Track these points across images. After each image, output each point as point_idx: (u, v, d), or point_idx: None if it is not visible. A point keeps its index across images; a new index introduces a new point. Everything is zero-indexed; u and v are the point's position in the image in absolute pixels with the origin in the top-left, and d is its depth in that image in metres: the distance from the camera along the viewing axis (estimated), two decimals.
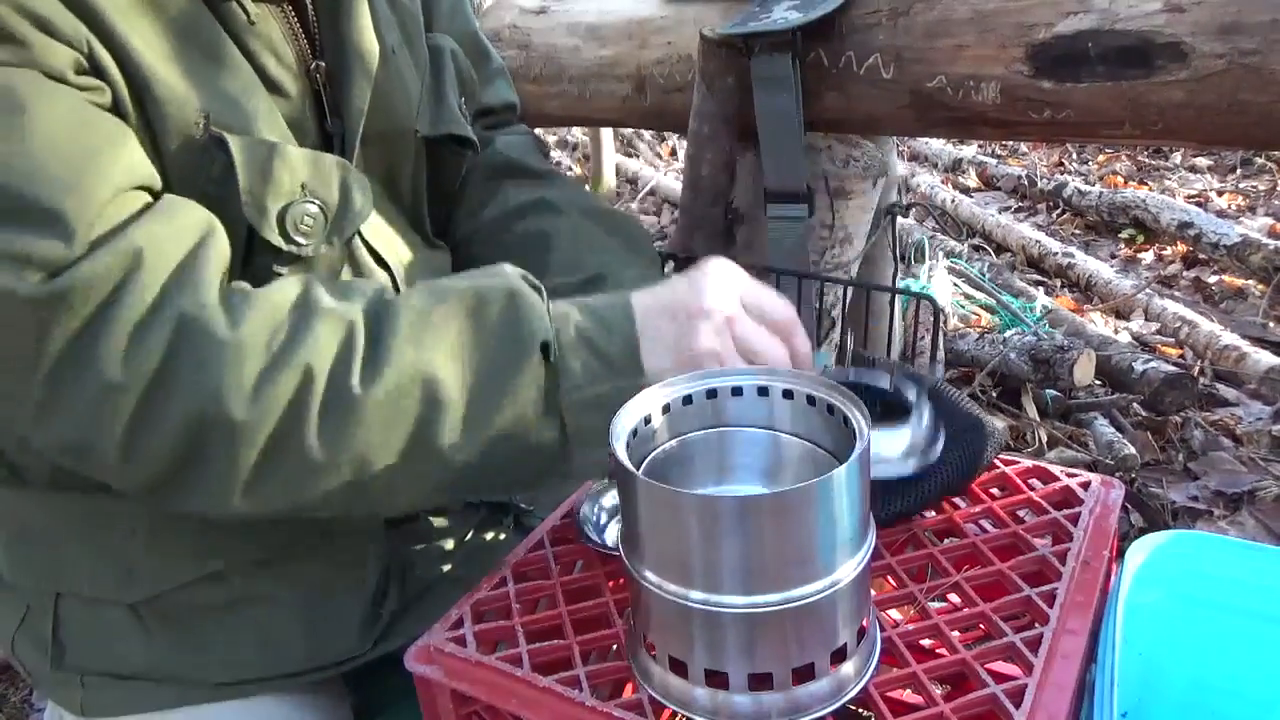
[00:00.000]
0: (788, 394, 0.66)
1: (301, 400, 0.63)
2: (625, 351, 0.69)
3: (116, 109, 0.66)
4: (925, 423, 0.76)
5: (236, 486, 0.64)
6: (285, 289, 0.68)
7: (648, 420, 0.65)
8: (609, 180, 4.12)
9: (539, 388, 0.67)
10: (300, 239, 0.74)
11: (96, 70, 0.64)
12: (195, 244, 0.65)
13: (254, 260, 0.73)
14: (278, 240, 0.72)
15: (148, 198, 0.66)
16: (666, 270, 1.04)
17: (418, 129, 0.89)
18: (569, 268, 0.91)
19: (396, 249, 0.87)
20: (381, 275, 0.84)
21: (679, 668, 0.59)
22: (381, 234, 0.85)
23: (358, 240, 0.81)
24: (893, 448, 0.74)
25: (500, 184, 1.00)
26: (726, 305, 0.70)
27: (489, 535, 0.96)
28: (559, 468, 0.70)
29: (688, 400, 0.66)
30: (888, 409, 0.75)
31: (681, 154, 4.37)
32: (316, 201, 0.74)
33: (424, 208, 0.94)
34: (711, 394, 0.67)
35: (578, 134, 5.06)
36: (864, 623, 0.61)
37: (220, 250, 0.67)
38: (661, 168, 4.53)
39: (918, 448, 0.75)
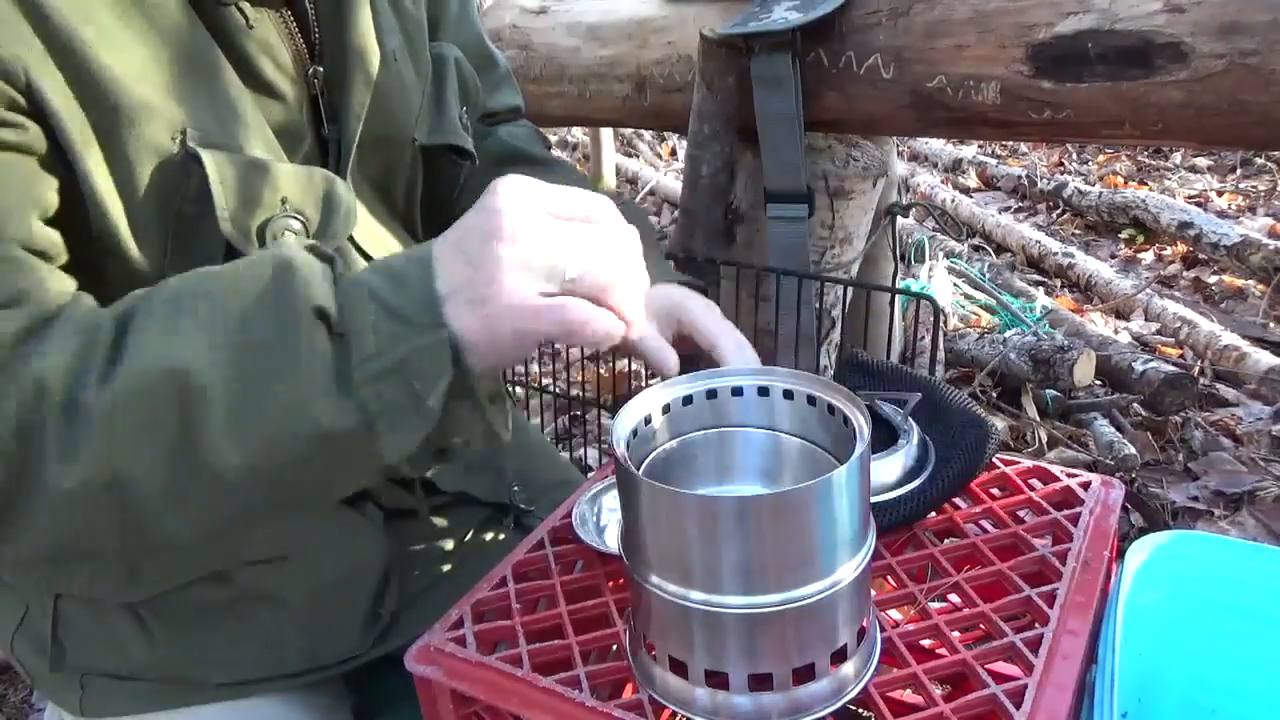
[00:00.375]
0: (788, 394, 0.66)
1: (36, 421, 0.55)
2: (420, 300, 0.58)
3: (59, 144, 0.63)
4: (914, 442, 0.76)
5: None
6: (47, 305, 0.61)
7: (648, 420, 0.65)
8: (609, 180, 4.12)
9: (323, 363, 0.57)
10: None
11: (34, 104, 0.61)
12: None
13: None
14: None
15: None
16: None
17: (416, 137, 0.88)
18: None
19: (388, 252, 0.86)
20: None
21: (679, 668, 0.59)
22: (375, 238, 0.84)
23: (350, 246, 0.81)
24: (887, 474, 0.74)
25: (501, 170, 0.97)
26: (522, 214, 0.58)
27: (489, 535, 0.96)
28: (371, 461, 0.59)
29: (688, 400, 0.67)
30: (876, 424, 0.75)
31: (681, 154, 4.37)
32: (297, 217, 0.73)
33: (417, 212, 0.93)
34: (712, 394, 0.67)
35: (578, 134, 5.06)
36: (864, 623, 0.61)
37: None
38: (661, 168, 4.53)
39: (910, 470, 0.75)
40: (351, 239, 0.80)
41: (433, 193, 0.94)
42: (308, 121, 0.78)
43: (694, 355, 0.83)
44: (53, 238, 0.64)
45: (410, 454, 0.59)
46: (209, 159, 0.68)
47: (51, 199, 0.64)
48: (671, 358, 0.79)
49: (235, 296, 0.58)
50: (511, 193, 0.59)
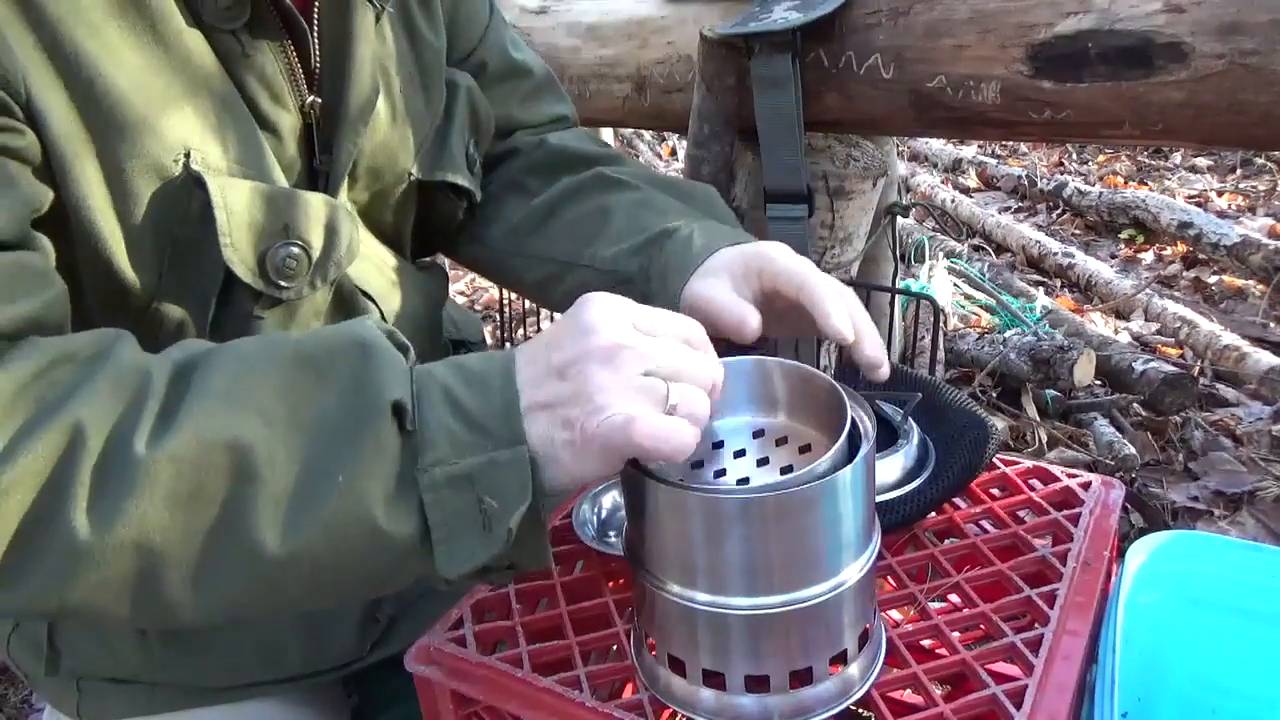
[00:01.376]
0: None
1: (65, 465, 0.51)
2: (502, 411, 0.55)
3: (51, 154, 0.61)
4: (914, 442, 0.76)
5: None
6: (84, 339, 0.58)
7: None
8: None
9: (391, 460, 0.54)
10: (283, 281, 0.71)
11: (29, 114, 0.60)
12: None
13: (231, 305, 0.71)
14: (258, 284, 0.69)
15: None
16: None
17: (411, 172, 0.85)
18: (626, 233, 0.82)
19: (378, 276, 0.84)
20: (364, 303, 0.81)
21: (682, 668, 0.58)
22: (361, 264, 0.81)
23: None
24: (887, 474, 0.74)
25: (557, 177, 0.93)
26: (618, 334, 0.55)
27: None
28: (417, 569, 0.56)
29: None
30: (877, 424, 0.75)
31: (681, 154, 4.37)
32: (300, 244, 0.71)
33: (407, 240, 0.91)
34: None
35: None
36: (869, 625, 0.60)
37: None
38: (661, 168, 4.53)
39: (910, 470, 0.75)
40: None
41: (426, 223, 0.91)
42: (300, 151, 0.76)
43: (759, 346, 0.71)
44: (47, 247, 0.63)
45: (466, 573, 0.55)
46: (213, 183, 0.66)
47: (42, 204, 0.63)
48: (751, 314, 0.69)
49: (312, 374, 0.55)
50: (604, 309, 0.57)
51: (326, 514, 0.53)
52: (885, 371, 0.68)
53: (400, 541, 0.54)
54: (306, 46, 0.73)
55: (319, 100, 0.75)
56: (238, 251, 0.68)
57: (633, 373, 0.55)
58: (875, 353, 0.68)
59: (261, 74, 0.71)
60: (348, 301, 0.80)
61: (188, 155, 0.66)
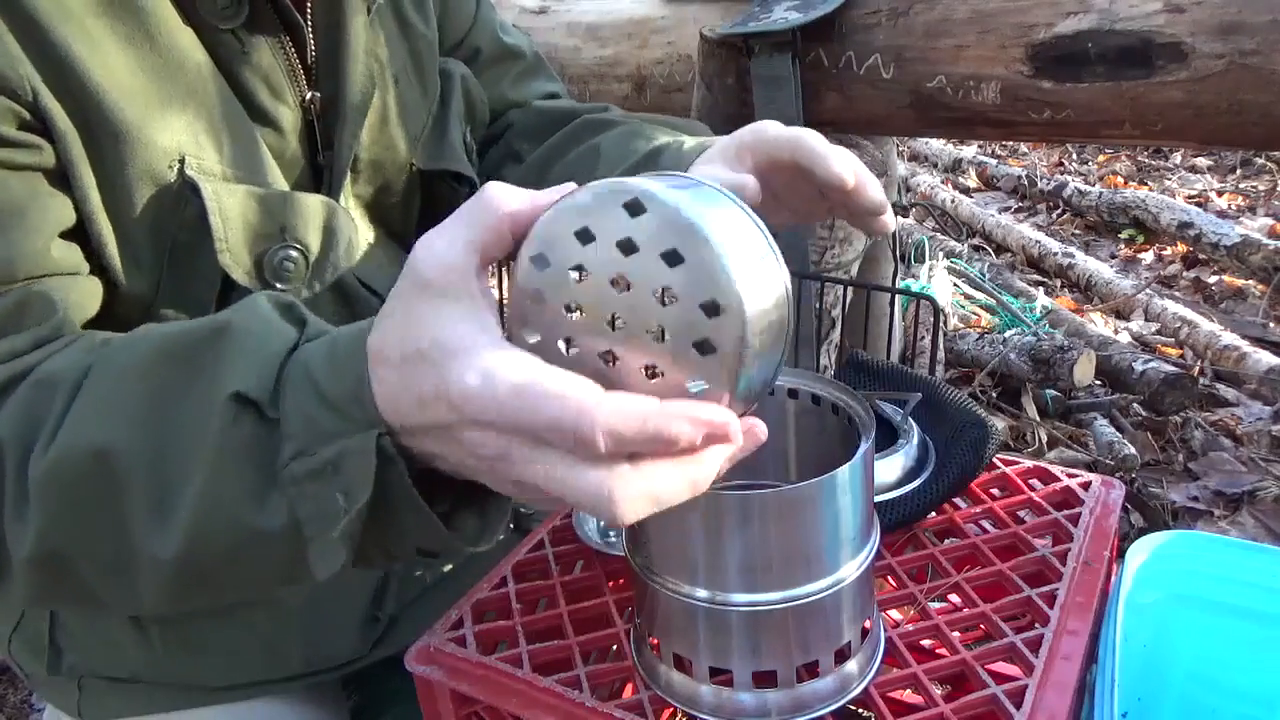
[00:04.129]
0: (792, 393, 0.66)
1: (2, 481, 0.53)
2: (353, 391, 0.48)
3: (62, 161, 0.62)
4: (914, 442, 0.76)
5: None
6: (34, 357, 0.57)
7: None
8: None
9: (246, 455, 0.49)
10: (280, 284, 0.71)
11: (41, 120, 0.60)
12: None
13: (230, 306, 0.71)
14: (255, 287, 0.69)
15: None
16: None
17: (414, 162, 0.86)
18: (619, 159, 0.81)
19: (384, 274, 0.84)
20: (372, 301, 0.81)
21: (683, 665, 0.59)
22: (369, 259, 0.82)
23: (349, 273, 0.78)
24: (887, 474, 0.74)
25: (545, 136, 0.93)
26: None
27: None
28: (302, 566, 0.50)
29: None
30: (877, 424, 0.75)
31: None
32: (297, 246, 0.71)
33: (412, 231, 0.91)
34: None
35: None
36: (867, 622, 0.61)
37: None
38: None
39: (910, 470, 0.75)
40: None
41: (430, 215, 0.92)
42: (302, 147, 0.76)
43: None
44: (73, 255, 0.63)
45: (336, 570, 0.50)
46: (207, 188, 0.66)
47: (70, 215, 0.63)
48: (749, 179, 0.64)
49: (173, 369, 0.52)
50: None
51: (192, 516, 0.50)
52: (889, 219, 0.66)
53: (271, 539, 0.50)
54: (303, 42, 0.74)
55: (318, 95, 0.76)
56: (234, 256, 0.68)
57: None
58: (877, 195, 0.65)
59: (261, 71, 0.71)
60: (352, 300, 0.80)
61: (182, 161, 0.66)
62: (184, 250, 0.67)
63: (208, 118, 0.68)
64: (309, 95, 0.75)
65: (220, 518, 0.50)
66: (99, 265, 0.66)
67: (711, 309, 0.42)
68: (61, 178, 0.63)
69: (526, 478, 0.43)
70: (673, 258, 0.42)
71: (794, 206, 0.70)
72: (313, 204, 0.73)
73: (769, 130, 0.67)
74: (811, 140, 0.65)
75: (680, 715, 0.60)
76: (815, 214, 0.72)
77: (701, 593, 0.56)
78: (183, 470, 0.50)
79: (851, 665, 0.59)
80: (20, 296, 0.59)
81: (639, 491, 0.41)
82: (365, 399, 0.47)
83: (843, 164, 0.64)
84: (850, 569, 0.57)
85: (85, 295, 0.64)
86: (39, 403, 0.54)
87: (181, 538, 0.50)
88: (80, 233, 0.64)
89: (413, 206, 0.90)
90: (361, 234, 0.82)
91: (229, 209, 0.67)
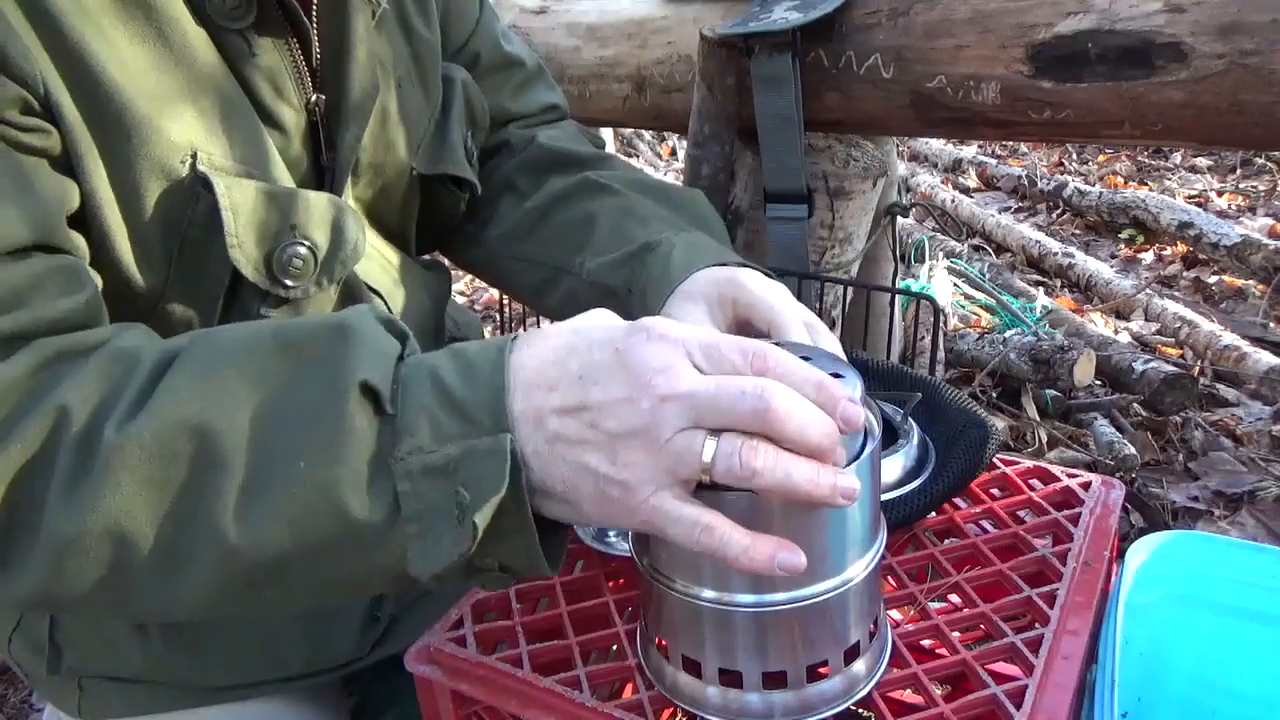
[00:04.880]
0: None
1: (49, 451, 0.51)
2: (488, 399, 0.51)
3: (70, 152, 0.62)
4: (914, 442, 0.76)
5: None
6: (93, 335, 0.58)
7: None
8: None
9: (362, 445, 0.51)
10: (289, 281, 0.71)
11: (51, 113, 0.61)
12: None
13: (238, 303, 0.71)
14: (264, 283, 0.70)
15: None
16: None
17: (414, 166, 0.86)
18: (612, 244, 0.83)
19: (385, 273, 0.85)
20: (372, 299, 0.82)
21: (689, 666, 0.59)
22: (367, 261, 0.82)
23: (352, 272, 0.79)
24: (887, 474, 0.74)
25: (546, 177, 0.94)
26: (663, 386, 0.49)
27: None
28: (396, 569, 0.52)
29: None
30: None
31: (681, 154, 4.36)
32: (306, 243, 0.71)
33: (411, 235, 0.91)
34: None
35: None
36: (874, 623, 0.61)
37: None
38: (661, 168, 4.53)
39: (910, 470, 0.75)
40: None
41: (430, 218, 0.92)
42: (306, 148, 0.77)
43: None
44: (80, 242, 0.64)
45: (439, 573, 0.51)
46: (220, 183, 0.67)
47: (75, 201, 0.64)
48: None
49: (287, 358, 0.53)
50: (654, 343, 0.50)
51: (289, 501, 0.50)
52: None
53: (370, 532, 0.51)
54: (309, 44, 0.74)
55: (323, 98, 0.76)
56: (244, 251, 0.68)
57: (659, 440, 0.49)
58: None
59: (268, 72, 0.72)
60: (355, 299, 0.80)
61: (194, 156, 0.66)
62: (194, 245, 0.68)
63: (219, 115, 0.68)
64: (314, 97, 0.75)
65: (317, 509, 0.50)
66: (108, 259, 0.66)
67: None
68: (68, 168, 0.63)
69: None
70: None
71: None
72: (321, 202, 0.73)
73: (752, 291, 0.70)
74: (787, 323, 0.67)
75: (681, 716, 0.60)
76: None
77: (709, 594, 0.56)
78: (290, 456, 0.50)
79: (859, 666, 0.59)
80: (56, 263, 0.59)
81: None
82: (499, 409, 0.51)
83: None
84: (858, 569, 0.57)
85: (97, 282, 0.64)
86: (118, 375, 0.53)
87: (274, 525, 0.50)
88: (84, 227, 0.64)
89: (412, 211, 0.90)
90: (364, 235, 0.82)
91: (240, 204, 0.68)
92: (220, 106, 0.69)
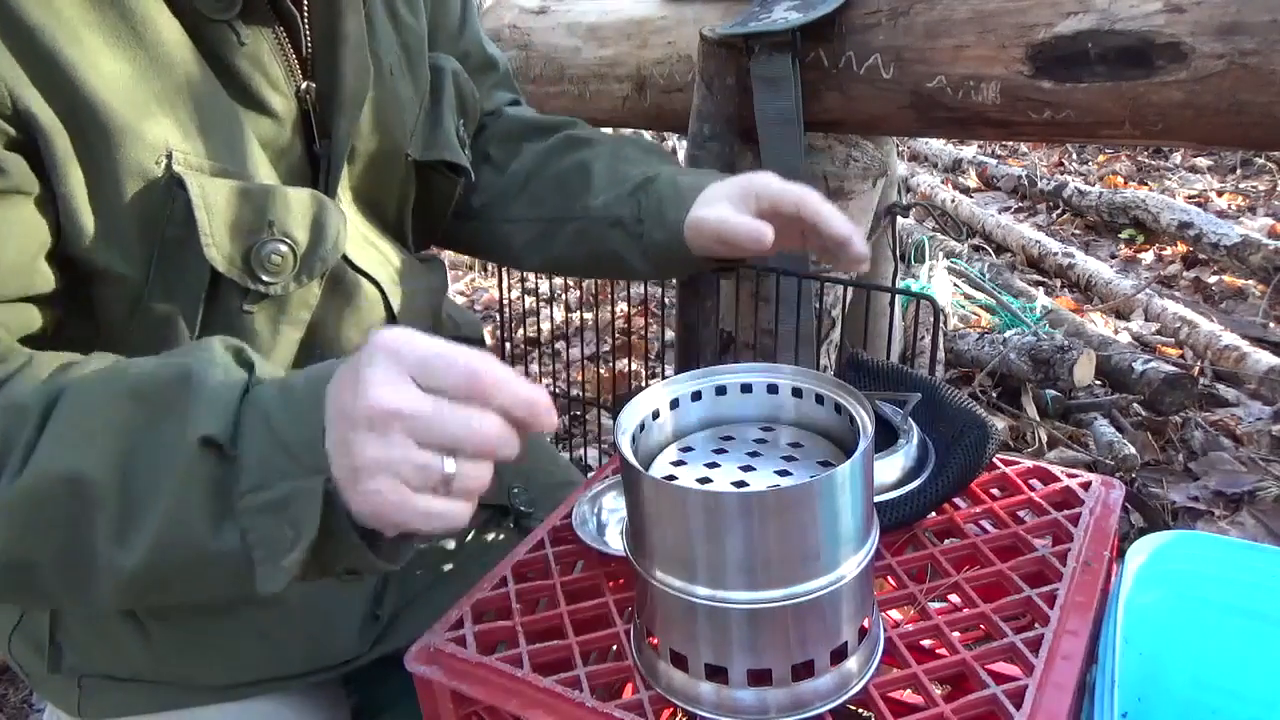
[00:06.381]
0: (796, 392, 0.67)
1: None
2: (307, 439, 0.55)
3: (45, 159, 0.62)
4: (914, 442, 0.76)
5: None
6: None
7: (655, 415, 0.65)
8: None
9: (207, 490, 0.55)
10: (267, 278, 0.71)
11: (23, 125, 0.61)
12: None
13: (220, 300, 0.71)
14: (243, 280, 0.70)
15: None
16: None
17: (409, 153, 0.87)
18: (611, 183, 0.91)
19: (384, 266, 0.85)
20: (372, 292, 0.82)
21: (683, 663, 0.59)
22: (365, 252, 0.83)
23: (343, 262, 0.80)
24: (886, 474, 0.74)
25: (520, 145, 1.00)
26: (393, 398, 0.51)
27: (489, 535, 0.95)
28: (248, 582, 0.56)
29: (696, 396, 0.67)
30: (876, 424, 0.75)
31: (681, 154, 4.35)
32: (286, 240, 0.72)
33: (408, 226, 0.92)
34: (721, 390, 0.68)
35: None
36: (866, 621, 0.61)
37: None
38: None
39: (910, 470, 0.75)
40: (346, 258, 0.80)
41: (426, 206, 0.93)
42: (298, 137, 0.77)
43: None
44: (45, 276, 0.65)
45: (280, 589, 0.56)
46: (193, 183, 0.67)
47: (46, 236, 0.64)
48: (766, 228, 0.80)
49: (139, 407, 0.57)
50: (384, 365, 0.52)
51: (155, 537, 0.56)
52: (866, 265, 0.84)
53: (225, 558, 0.56)
54: (297, 33, 0.74)
55: (314, 86, 0.76)
56: (220, 249, 0.69)
57: (404, 449, 0.52)
58: (863, 249, 0.83)
59: (258, 61, 0.72)
60: (350, 292, 0.80)
61: (169, 156, 0.66)
62: (173, 245, 0.68)
63: (194, 112, 0.68)
64: (304, 85, 0.76)
65: (180, 540, 0.56)
66: (89, 262, 0.66)
67: None
68: (41, 197, 0.63)
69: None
70: None
71: (786, 240, 0.85)
72: (300, 198, 0.73)
73: (773, 183, 0.83)
74: (816, 201, 0.82)
75: (680, 715, 0.60)
76: (795, 249, 0.89)
77: (702, 590, 0.56)
78: (149, 497, 0.56)
79: (850, 664, 0.59)
80: None
81: None
82: (316, 445, 0.54)
83: (842, 224, 0.81)
84: (850, 567, 0.57)
85: (30, 319, 0.65)
86: (11, 428, 0.57)
87: (143, 554, 0.56)
88: (63, 232, 0.65)
89: (408, 200, 0.91)
90: (357, 224, 0.83)
91: (214, 203, 0.68)
92: (196, 103, 0.69)
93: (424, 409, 0.52)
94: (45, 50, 0.61)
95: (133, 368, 0.61)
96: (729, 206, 0.83)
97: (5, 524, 0.57)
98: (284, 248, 0.72)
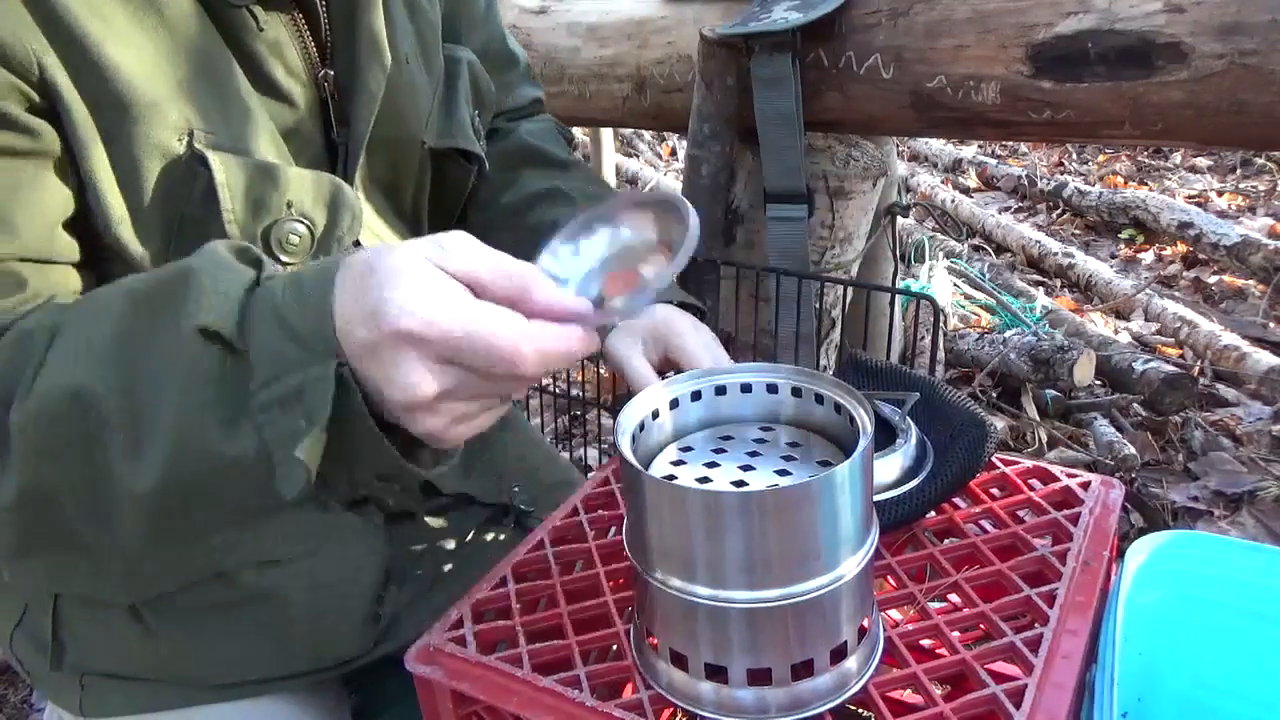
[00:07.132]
0: (796, 391, 0.67)
1: None
2: (315, 326, 0.52)
3: (68, 135, 0.63)
4: (913, 441, 0.76)
5: None
6: (8, 318, 0.61)
7: (655, 415, 0.65)
8: (609, 180, 4.12)
9: (215, 387, 0.53)
10: (284, 257, 0.72)
11: (48, 97, 0.62)
12: None
13: None
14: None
15: None
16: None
17: (425, 140, 0.88)
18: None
19: None
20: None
21: (683, 663, 0.59)
22: (382, 240, 0.84)
23: (356, 247, 0.80)
24: (885, 474, 0.74)
25: (519, 172, 1.00)
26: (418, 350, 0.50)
27: (489, 535, 0.96)
28: (269, 495, 0.54)
29: (696, 396, 0.67)
30: (876, 424, 0.75)
31: (681, 154, 4.36)
32: (304, 221, 0.73)
33: (424, 214, 0.93)
34: (720, 390, 0.68)
35: (578, 134, 5.06)
36: (866, 620, 0.61)
37: None
38: (661, 168, 4.53)
39: (908, 469, 0.75)
40: (358, 243, 0.80)
41: (441, 194, 0.94)
42: (317, 124, 0.78)
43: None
44: (63, 241, 0.65)
45: (299, 497, 0.54)
46: (216, 161, 0.68)
47: (67, 203, 0.65)
48: (650, 382, 0.81)
49: (137, 313, 0.56)
50: (414, 302, 0.50)
51: (170, 448, 0.54)
52: None
53: (247, 465, 0.53)
54: (316, 21, 0.75)
55: (332, 73, 0.77)
56: (241, 228, 0.70)
57: (467, 383, 0.51)
58: None
59: (276, 47, 0.73)
60: None
61: (191, 134, 0.67)
62: (193, 223, 0.69)
63: (215, 93, 0.69)
64: (322, 73, 0.77)
65: (194, 447, 0.53)
66: (109, 237, 0.67)
67: None
68: (65, 164, 0.64)
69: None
70: None
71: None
72: (318, 180, 0.74)
73: (686, 341, 0.84)
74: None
75: (680, 715, 0.60)
76: None
77: (702, 590, 0.56)
78: (155, 405, 0.54)
79: (850, 663, 0.59)
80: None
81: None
82: (327, 332, 0.52)
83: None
84: (850, 566, 0.57)
85: (60, 280, 0.65)
86: (18, 356, 0.57)
87: (157, 470, 0.54)
88: (78, 217, 0.65)
89: (424, 187, 0.92)
90: (373, 211, 0.84)
91: (236, 182, 0.69)
92: (218, 85, 0.69)
93: (446, 372, 0.51)
94: (69, 24, 0.62)
95: (133, 276, 0.59)
96: (639, 348, 0.85)
97: (21, 450, 0.55)
98: (301, 228, 0.73)
